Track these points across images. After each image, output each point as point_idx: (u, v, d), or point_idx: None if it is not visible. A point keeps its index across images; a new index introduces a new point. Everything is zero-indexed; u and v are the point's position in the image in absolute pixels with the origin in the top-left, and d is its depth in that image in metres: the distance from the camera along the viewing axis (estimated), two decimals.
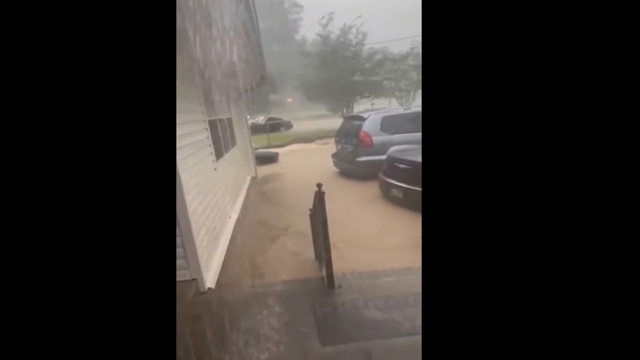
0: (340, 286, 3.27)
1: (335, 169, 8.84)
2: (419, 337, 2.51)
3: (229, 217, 5.34)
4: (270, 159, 11.57)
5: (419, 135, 7.35)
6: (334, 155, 9.00)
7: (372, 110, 10.11)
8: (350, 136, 8.18)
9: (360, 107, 26.93)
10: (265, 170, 10.09)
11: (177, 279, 3.17)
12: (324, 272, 3.37)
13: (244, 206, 6.39)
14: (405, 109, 8.87)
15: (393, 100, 28.47)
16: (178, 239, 3.09)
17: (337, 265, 3.37)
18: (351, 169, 7.98)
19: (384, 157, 6.45)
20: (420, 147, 6.21)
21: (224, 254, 4.23)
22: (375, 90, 27.10)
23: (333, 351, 2.45)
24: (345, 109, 27.04)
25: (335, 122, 10.61)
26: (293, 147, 15.26)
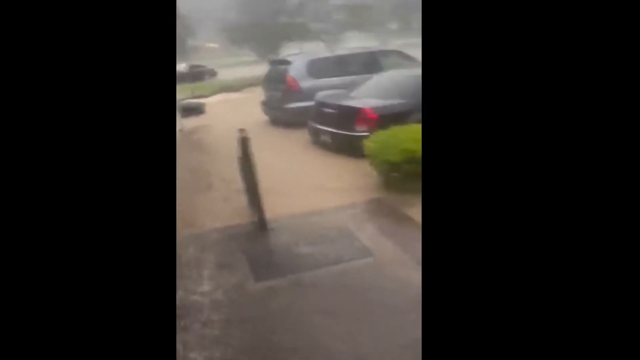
0: (272, 228, 3.44)
1: (266, 117, 8.75)
2: (346, 265, 2.80)
3: None
4: (196, 110, 11.01)
5: (346, 78, 7.45)
6: (262, 103, 8.86)
7: (299, 53, 9.95)
8: (277, 82, 8.05)
9: (288, 51, 26.17)
10: (191, 122, 9.66)
11: None
12: (256, 217, 3.50)
13: None
14: (332, 52, 8.88)
15: (320, 44, 28.01)
16: None
17: (270, 211, 3.51)
18: (280, 116, 7.95)
19: (312, 103, 6.51)
20: (347, 91, 6.35)
21: None
22: (301, 33, 26.36)
23: (266, 285, 2.65)
24: (271, 55, 26.15)
25: (264, 69, 10.29)
26: (219, 96, 14.61)
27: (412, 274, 2.60)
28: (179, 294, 2.59)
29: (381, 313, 2.26)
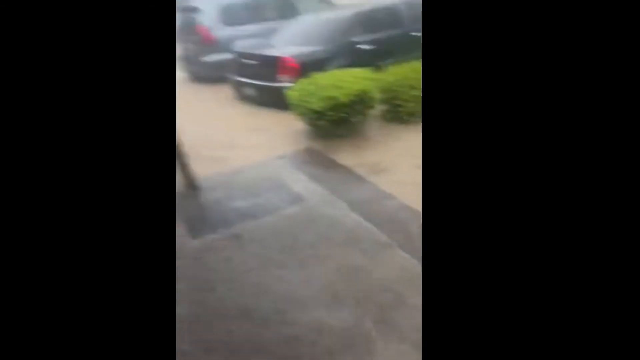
0: (203, 187, 3.49)
1: (183, 74, 8.29)
2: (280, 213, 2.98)
3: None
4: None
5: (263, 25, 7.24)
6: (179, 58, 8.33)
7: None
8: (190, 33, 7.57)
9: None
10: None
11: None
12: (185, 179, 3.51)
13: None
14: None
15: None
16: None
17: (199, 171, 3.53)
18: (199, 70, 7.60)
19: (230, 55, 6.31)
20: (266, 39, 6.22)
21: None
22: None
23: (204, 241, 2.76)
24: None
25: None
26: None
27: (340, 213, 2.87)
28: None
29: (313, 252, 2.51)
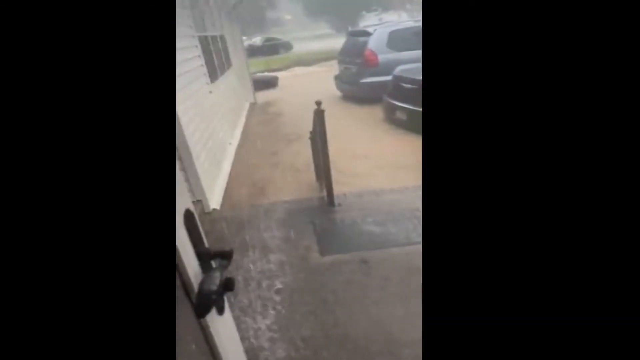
0: (340, 204, 3.53)
1: (338, 93, 8.79)
2: (413, 247, 2.80)
3: (230, 144, 5.52)
4: (270, 83, 11.43)
5: None
6: (336, 78, 8.89)
7: (379, 24, 9.71)
8: (354, 55, 7.98)
9: (366, 23, 25.68)
10: (265, 95, 10.05)
11: None
12: (324, 192, 3.61)
13: (244, 133, 6.54)
14: (415, 21, 8.49)
15: (403, 14, 26.99)
16: (178, 163, 3.30)
17: (338, 187, 3.60)
18: (354, 91, 7.93)
19: (389, 77, 6.40)
20: None
21: (226, 178, 4.48)
22: (382, 2, 25.59)
23: (332, 260, 2.75)
24: (350, 27, 25.85)
25: (339, 42, 10.24)
26: (294, 70, 14.96)
27: None
28: (243, 261, 2.81)
29: None
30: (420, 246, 2.80)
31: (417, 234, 2.95)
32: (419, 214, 3.25)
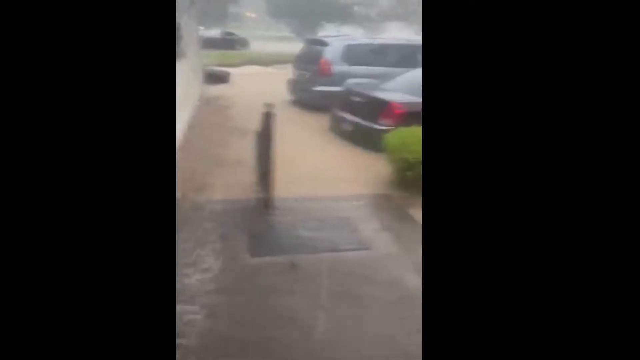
0: (277, 207, 3.58)
1: (290, 97, 8.84)
2: (342, 254, 2.92)
3: None
4: (222, 78, 11.20)
5: (381, 69, 7.47)
6: (290, 82, 8.95)
7: (337, 36, 9.95)
8: (309, 62, 8.11)
9: (325, 32, 26.09)
10: (215, 90, 9.84)
11: None
12: (263, 195, 3.64)
13: (190, 127, 6.37)
14: (371, 39, 8.85)
15: (361, 30, 27.80)
16: None
17: (278, 190, 3.65)
18: (306, 97, 8.03)
19: (340, 89, 6.57)
20: (379, 82, 6.38)
21: None
22: (343, 15, 26.20)
23: (260, 261, 2.79)
24: (309, 34, 26.14)
25: (298, 47, 10.33)
26: (248, 68, 14.78)
27: (401, 271, 2.70)
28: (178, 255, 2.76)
29: (364, 305, 2.38)
30: (348, 253, 2.92)
31: (347, 242, 3.07)
32: (351, 222, 3.39)
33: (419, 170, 3.83)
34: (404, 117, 4.94)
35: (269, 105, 3.34)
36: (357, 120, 5.66)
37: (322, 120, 6.79)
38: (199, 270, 2.62)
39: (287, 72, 9.87)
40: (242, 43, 24.30)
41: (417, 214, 3.62)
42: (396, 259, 2.89)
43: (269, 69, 15.02)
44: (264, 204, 3.59)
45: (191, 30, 8.66)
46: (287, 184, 3.96)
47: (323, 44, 8.10)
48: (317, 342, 2.08)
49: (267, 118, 3.40)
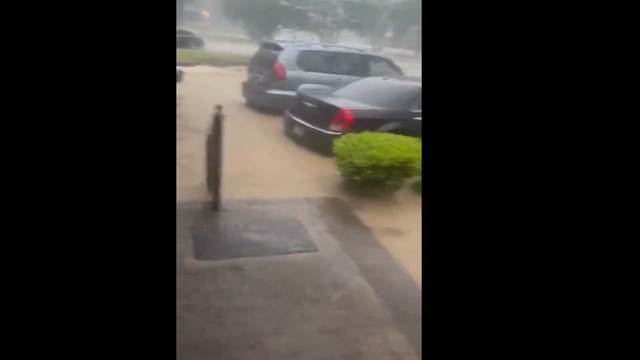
0: (225, 210, 3.54)
1: (243, 99, 8.77)
2: (289, 256, 2.95)
3: None
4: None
5: (333, 76, 7.63)
6: (244, 84, 8.88)
7: (292, 41, 10.03)
8: (264, 65, 8.11)
9: (281, 37, 26.13)
10: None
11: None
12: (211, 197, 3.59)
13: None
14: (324, 46, 9.05)
15: (316, 37, 28.15)
16: None
17: (226, 193, 3.61)
18: (259, 100, 8.01)
19: (293, 93, 6.63)
20: (331, 89, 6.51)
21: None
22: (298, 21, 26.39)
23: (206, 265, 2.75)
24: (265, 38, 26.05)
25: (254, 50, 10.29)
26: (202, 68, 14.46)
27: (346, 274, 2.78)
28: None
29: (303, 307, 2.43)
30: (296, 255, 2.95)
31: (294, 244, 3.11)
32: (299, 225, 3.43)
33: (366, 174, 3.96)
34: (354, 124, 5.08)
35: (218, 107, 3.31)
36: (309, 125, 5.72)
37: (274, 124, 6.79)
38: None
39: (242, 74, 9.77)
40: (197, 42, 23.72)
41: (362, 215, 3.73)
42: (342, 260, 2.96)
43: (225, 70, 14.78)
44: (212, 206, 3.54)
45: None
46: (236, 187, 3.93)
47: (278, 48, 8.15)
48: (260, 343, 2.09)
49: (217, 120, 3.37)
